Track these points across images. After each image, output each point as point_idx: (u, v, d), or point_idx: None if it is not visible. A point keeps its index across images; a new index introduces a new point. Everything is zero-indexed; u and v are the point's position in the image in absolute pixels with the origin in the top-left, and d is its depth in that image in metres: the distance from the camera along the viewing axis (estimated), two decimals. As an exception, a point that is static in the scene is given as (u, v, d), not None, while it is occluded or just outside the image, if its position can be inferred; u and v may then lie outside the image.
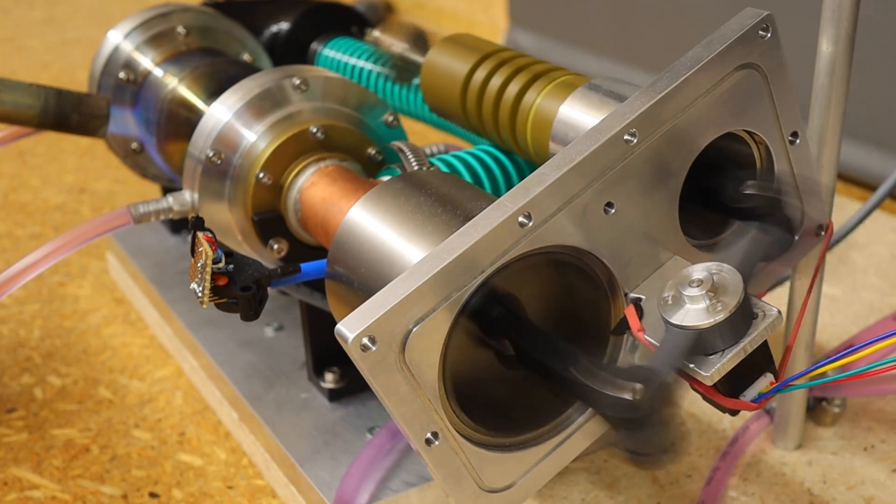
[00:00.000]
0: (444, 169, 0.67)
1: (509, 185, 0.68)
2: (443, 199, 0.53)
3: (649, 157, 0.49)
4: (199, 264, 0.52)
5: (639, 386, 0.42)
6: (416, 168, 0.64)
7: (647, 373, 0.43)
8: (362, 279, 0.52)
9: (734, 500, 0.66)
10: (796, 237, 0.57)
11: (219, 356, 0.78)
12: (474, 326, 0.47)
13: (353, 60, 0.88)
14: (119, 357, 0.88)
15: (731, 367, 0.45)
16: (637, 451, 0.45)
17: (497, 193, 0.67)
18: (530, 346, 0.47)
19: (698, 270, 0.46)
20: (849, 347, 0.58)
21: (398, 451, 0.65)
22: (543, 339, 0.47)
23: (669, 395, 0.43)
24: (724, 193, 0.55)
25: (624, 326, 0.50)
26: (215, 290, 0.52)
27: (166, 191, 0.90)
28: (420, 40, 0.72)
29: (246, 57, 0.87)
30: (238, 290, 0.52)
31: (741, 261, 0.46)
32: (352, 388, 0.72)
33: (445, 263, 0.45)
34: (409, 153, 0.64)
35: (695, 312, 0.45)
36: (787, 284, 0.66)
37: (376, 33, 0.76)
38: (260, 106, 0.67)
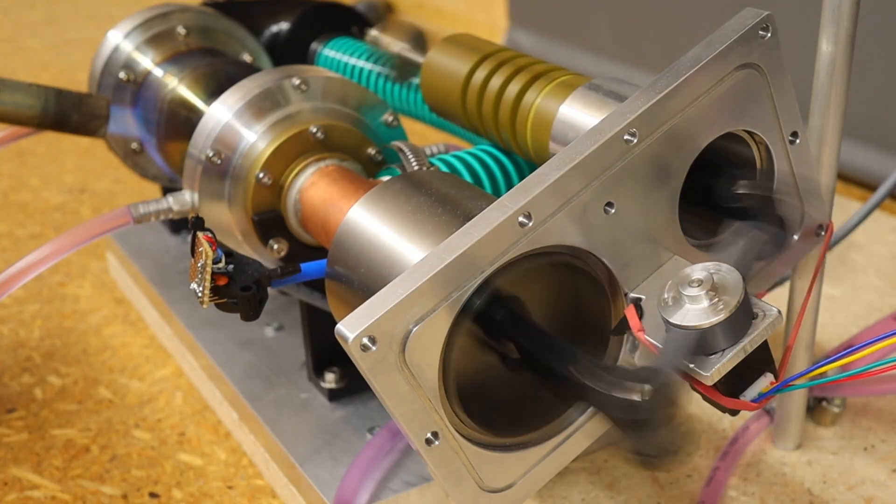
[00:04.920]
0: (444, 169, 0.67)
1: (509, 185, 0.68)
2: (443, 199, 0.53)
3: (649, 157, 0.49)
4: (199, 264, 0.52)
5: (647, 387, 0.42)
6: (416, 168, 0.64)
7: (652, 373, 0.43)
8: (362, 279, 0.52)
9: (734, 500, 0.66)
10: (794, 236, 0.57)
11: (219, 356, 0.78)
12: (475, 327, 0.47)
13: (353, 60, 0.88)
14: (119, 357, 0.88)
15: (731, 367, 0.45)
16: (645, 453, 0.45)
17: (497, 193, 0.67)
18: (534, 349, 0.47)
19: (698, 270, 0.46)
20: (849, 347, 0.58)
21: (398, 451, 0.65)
22: (547, 341, 0.47)
23: (675, 395, 0.43)
24: (718, 193, 0.55)
25: (624, 326, 0.50)
26: (215, 290, 0.52)
27: (166, 191, 0.90)
28: (419, 40, 0.72)
29: (246, 57, 0.87)
30: (238, 290, 0.52)
31: (737, 260, 0.46)
32: (352, 388, 0.72)
33: (445, 263, 0.45)
34: (409, 153, 0.64)
35: (695, 312, 0.45)
36: (787, 284, 0.66)
37: (374, 32, 0.76)
38: (260, 106, 0.67)
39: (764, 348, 0.46)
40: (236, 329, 0.81)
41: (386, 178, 0.63)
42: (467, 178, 0.67)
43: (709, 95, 0.50)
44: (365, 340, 0.44)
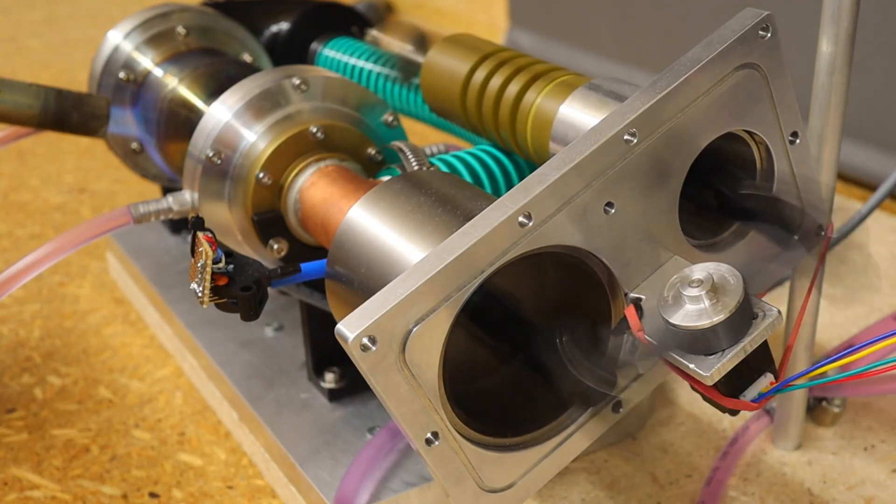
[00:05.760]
0: (444, 169, 0.67)
1: (509, 185, 0.68)
2: (443, 199, 0.53)
3: (649, 156, 0.49)
4: (199, 264, 0.52)
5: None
6: (416, 168, 0.64)
7: None
8: (362, 279, 0.52)
9: (734, 500, 0.66)
10: (796, 236, 0.57)
11: (219, 356, 0.78)
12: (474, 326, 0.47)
13: (353, 60, 0.88)
14: (119, 357, 0.88)
15: (731, 367, 0.45)
16: None
17: (497, 193, 0.67)
18: None
19: (698, 270, 0.46)
20: (849, 347, 0.58)
21: (398, 451, 0.65)
22: None
23: None
24: (723, 194, 0.55)
25: (624, 326, 0.50)
26: (215, 290, 0.52)
27: (166, 191, 0.90)
28: (421, 41, 0.72)
29: (246, 57, 0.87)
30: (238, 290, 0.52)
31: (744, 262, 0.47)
32: (352, 388, 0.72)
33: (445, 263, 0.45)
34: (409, 153, 0.64)
35: (695, 312, 0.45)
36: (787, 284, 0.66)
37: (375, 32, 0.76)
38: (260, 106, 0.67)
39: (764, 348, 0.46)
40: (236, 329, 0.81)
41: (386, 178, 0.63)
42: (467, 178, 0.67)
43: (709, 95, 0.50)
44: (365, 340, 0.44)
